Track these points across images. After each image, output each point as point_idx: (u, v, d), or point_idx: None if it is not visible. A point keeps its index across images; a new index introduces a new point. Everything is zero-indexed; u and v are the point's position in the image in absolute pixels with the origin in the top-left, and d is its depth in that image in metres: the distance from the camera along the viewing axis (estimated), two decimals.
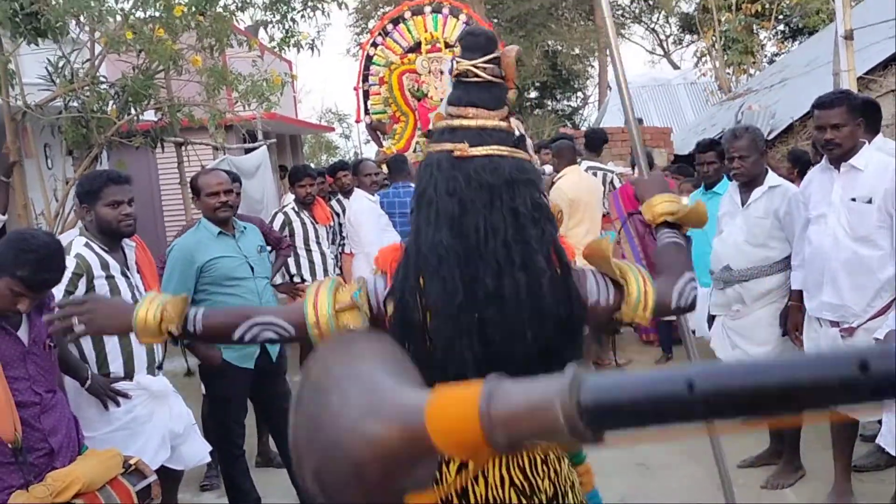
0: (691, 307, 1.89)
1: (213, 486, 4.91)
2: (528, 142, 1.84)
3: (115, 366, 3.35)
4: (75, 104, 6.04)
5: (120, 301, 2.46)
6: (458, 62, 1.82)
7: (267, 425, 4.74)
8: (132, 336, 3.33)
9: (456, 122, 1.78)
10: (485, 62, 1.79)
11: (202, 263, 3.99)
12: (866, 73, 8.15)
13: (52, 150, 8.39)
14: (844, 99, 3.71)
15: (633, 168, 7.80)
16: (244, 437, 4.38)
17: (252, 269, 4.12)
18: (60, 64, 6.01)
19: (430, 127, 1.87)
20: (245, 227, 4.27)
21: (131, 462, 2.92)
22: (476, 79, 1.79)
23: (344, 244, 7.03)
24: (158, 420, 3.42)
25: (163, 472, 3.45)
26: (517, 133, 1.79)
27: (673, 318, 2.84)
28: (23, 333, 2.66)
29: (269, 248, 4.98)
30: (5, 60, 5.46)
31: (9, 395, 2.52)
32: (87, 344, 3.32)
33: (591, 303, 1.81)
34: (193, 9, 5.70)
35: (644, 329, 7.39)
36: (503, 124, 1.78)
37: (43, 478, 2.61)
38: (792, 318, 4.07)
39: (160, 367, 3.56)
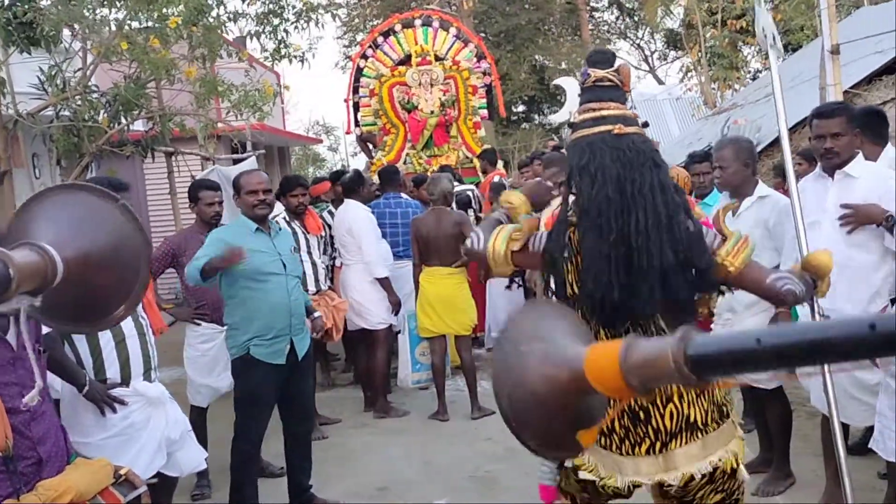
0: (784, 300, 2.45)
1: (205, 495, 4.87)
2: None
3: (112, 371, 3.34)
4: (67, 113, 6.05)
5: None
6: (593, 72, 2.47)
7: (286, 423, 4.58)
8: (128, 342, 3.37)
9: (605, 112, 2.41)
10: (611, 72, 2.46)
11: None
12: (851, 88, 8.27)
13: (40, 160, 8.37)
14: (844, 109, 3.80)
15: None
16: (262, 440, 4.38)
17: (284, 266, 4.26)
18: (52, 73, 6.02)
19: (572, 119, 2.50)
20: (280, 228, 4.48)
21: (121, 472, 2.88)
22: (608, 83, 2.45)
23: (335, 256, 7.01)
24: (155, 426, 3.41)
25: (158, 478, 3.45)
26: (641, 121, 2.51)
27: None
28: (11, 337, 2.58)
29: None
30: None
31: None
32: (83, 349, 3.32)
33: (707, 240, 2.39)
34: (186, 19, 5.72)
35: None
36: (631, 114, 2.46)
37: (32, 487, 2.55)
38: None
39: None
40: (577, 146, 2.42)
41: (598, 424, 1.26)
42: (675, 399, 2.32)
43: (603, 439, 2.34)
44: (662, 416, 2.32)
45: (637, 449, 2.34)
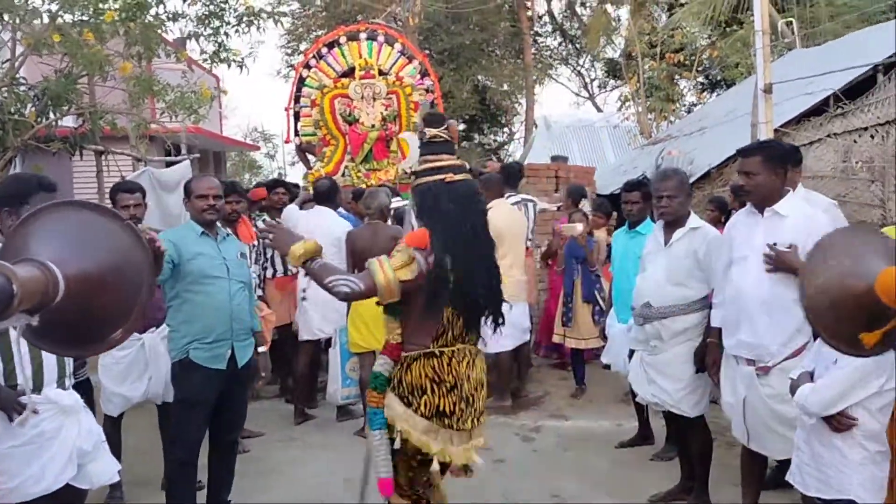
0: None
1: None
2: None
3: (23, 377, 3.17)
4: None
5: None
6: (428, 130, 3.15)
7: (214, 432, 4.40)
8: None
9: (438, 164, 3.11)
10: (443, 130, 3.16)
11: (183, 256, 4.08)
12: (781, 126, 8.53)
13: None
14: (761, 149, 3.89)
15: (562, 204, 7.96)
16: (199, 449, 4.22)
17: (228, 270, 4.22)
18: None
19: (414, 169, 3.20)
20: (228, 234, 4.45)
21: None
22: (440, 139, 3.15)
23: (267, 266, 6.88)
24: (66, 436, 3.23)
25: (68, 490, 3.29)
26: (467, 167, 3.24)
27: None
28: None
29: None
30: None
31: None
32: None
33: None
34: (124, 15, 5.57)
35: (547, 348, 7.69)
36: (459, 163, 3.17)
37: None
38: (710, 355, 4.18)
39: (70, 380, 3.39)
40: (419, 191, 3.12)
41: (881, 330, 1.54)
42: (484, 388, 3.18)
43: (446, 420, 3.03)
44: (480, 400, 3.14)
45: (467, 424, 3.08)
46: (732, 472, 4.43)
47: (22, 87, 5.99)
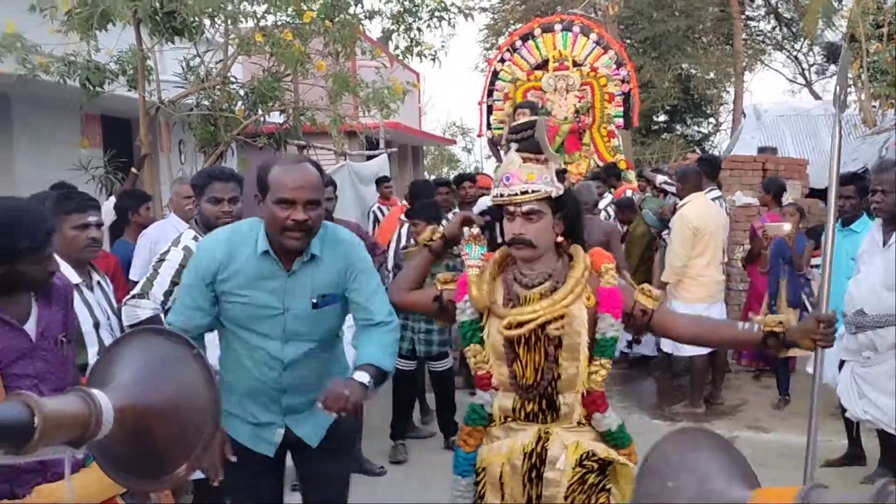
0: None
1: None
2: None
3: None
4: (206, 102, 6.27)
5: None
6: None
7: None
8: None
9: None
10: None
11: (222, 281, 2.58)
12: None
13: (186, 146, 8.76)
14: None
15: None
16: None
17: (284, 328, 2.60)
18: (195, 63, 6.25)
19: None
20: (312, 257, 2.57)
21: None
22: None
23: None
24: None
25: None
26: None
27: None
28: (30, 327, 2.37)
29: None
30: (144, 56, 5.70)
31: (1, 393, 2.27)
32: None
33: None
34: (322, 15, 5.81)
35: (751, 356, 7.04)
36: None
37: (31, 489, 2.34)
38: None
39: None
40: None
41: None
42: None
43: None
44: None
45: None
46: None
47: (233, 86, 6.40)
